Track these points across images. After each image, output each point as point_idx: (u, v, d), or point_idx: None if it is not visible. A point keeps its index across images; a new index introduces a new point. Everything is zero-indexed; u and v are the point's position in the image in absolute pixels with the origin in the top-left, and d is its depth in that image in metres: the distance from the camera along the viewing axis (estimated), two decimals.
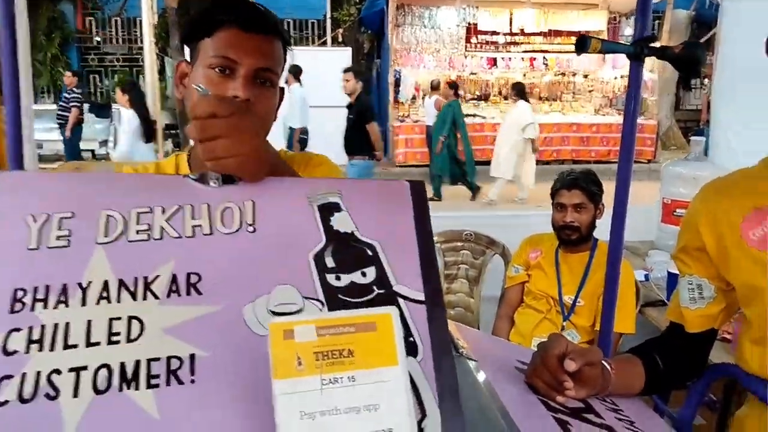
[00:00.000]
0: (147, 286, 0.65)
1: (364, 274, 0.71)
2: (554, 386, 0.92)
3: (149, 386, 0.59)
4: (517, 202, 8.61)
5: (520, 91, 8.57)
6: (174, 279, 0.66)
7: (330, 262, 0.71)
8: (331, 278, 0.70)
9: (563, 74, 11.90)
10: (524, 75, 11.65)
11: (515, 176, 8.53)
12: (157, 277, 0.67)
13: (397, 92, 11.13)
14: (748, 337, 1.10)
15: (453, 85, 9.75)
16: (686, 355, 1.19)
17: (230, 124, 0.77)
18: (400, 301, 0.70)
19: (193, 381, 0.60)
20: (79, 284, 0.64)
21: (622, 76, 11.74)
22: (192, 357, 0.60)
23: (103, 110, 11.59)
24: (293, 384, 0.55)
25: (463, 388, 0.92)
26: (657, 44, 1.27)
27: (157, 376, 0.59)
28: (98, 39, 14.93)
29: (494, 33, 11.59)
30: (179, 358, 0.60)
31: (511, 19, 11.60)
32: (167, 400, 0.59)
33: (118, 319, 0.62)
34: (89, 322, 0.61)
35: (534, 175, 8.60)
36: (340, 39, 12.98)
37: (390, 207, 0.79)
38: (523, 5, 11.33)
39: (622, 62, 11.74)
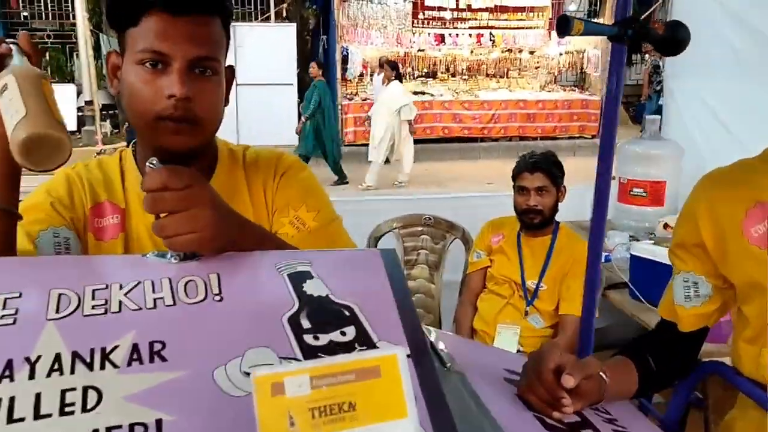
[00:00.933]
0: (105, 356, 0.60)
1: (343, 333, 0.65)
2: (550, 402, 0.86)
3: None
4: (397, 186, 8.44)
5: (393, 69, 8.38)
6: (135, 348, 0.60)
7: (306, 323, 0.66)
8: (308, 338, 0.64)
9: (510, 51, 11.92)
10: (471, 51, 11.62)
11: (395, 159, 8.36)
12: (116, 347, 0.61)
13: (344, 69, 10.94)
14: (743, 336, 1.06)
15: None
16: (678, 354, 1.14)
17: (183, 197, 0.72)
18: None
19: None
20: (27, 358, 0.58)
21: (566, 52, 11.86)
22: (158, 422, 0.52)
23: None
24: None
25: (453, 406, 0.86)
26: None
27: None
28: (25, 14, 14.13)
29: (441, 9, 11.46)
30: (144, 425, 0.52)
31: None
32: None
33: (72, 390, 0.55)
34: (38, 395, 0.54)
35: (412, 156, 8.49)
36: (284, 14, 12.63)
37: (363, 273, 0.76)
38: None
39: (567, 39, 11.84)
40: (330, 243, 1.02)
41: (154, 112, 0.89)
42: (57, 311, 0.64)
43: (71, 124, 9.61)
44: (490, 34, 11.65)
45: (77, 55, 11.33)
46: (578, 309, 2.39)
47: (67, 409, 0.53)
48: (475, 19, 11.63)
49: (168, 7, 0.89)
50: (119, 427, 0.52)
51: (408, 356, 0.63)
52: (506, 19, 11.76)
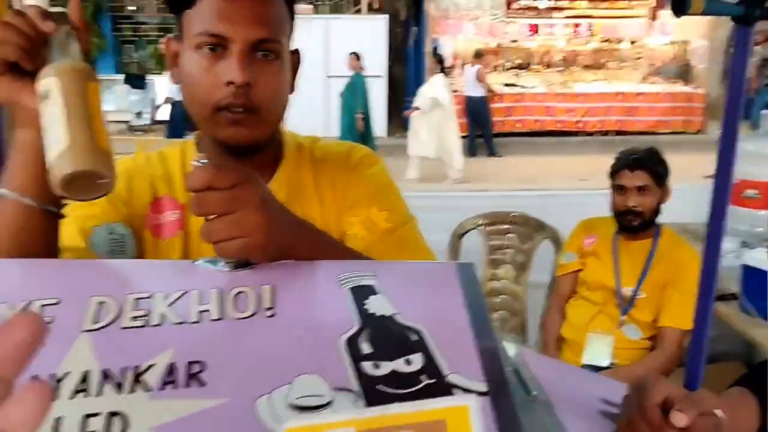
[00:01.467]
0: (137, 376, 0.53)
1: (408, 362, 0.56)
2: None
3: None
4: (454, 183, 7.96)
5: (439, 62, 8.24)
6: (171, 369, 0.54)
7: (366, 348, 0.57)
8: (367, 366, 0.55)
9: (608, 41, 11.39)
10: (567, 42, 11.19)
11: (441, 155, 7.98)
12: (151, 366, 0.54)
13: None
14: None
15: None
16: None
17: (229, 198, 0.65)
18: (456, 392, 0.54)
19: None
20: (52, 375, 0.53)
21: (672, 42, 11.20)
22: None
23: (138, 81, 11.51)
24: None
25: None
26: None
27: None
28: (132, 8, 14.82)
29: None
30: None
31: None
32: None
33: (96, 415, 0.49)
34: (57, 419, 0.49)
35: (460, 152, 8.14)
36: (375, 6, 12.61)
37: (435, 289, 0.67)
38: None
39: (671, 28, 11.18)
40: (402, 247, 0.92)
41: (213, 101, 0.83)
42: (94, 321, 0.59)
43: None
44: (588, 23, 11.17)
45: None
46: (681, 322, 2.19)
47: None
48: (572, 8, 11.20)
49: None
50: None
51: (484, 394, 0.53)
52: (605, 8, 11.25)
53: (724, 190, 1.25)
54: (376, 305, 0.63)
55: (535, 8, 11.16)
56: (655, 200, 2.27)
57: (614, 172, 2.33)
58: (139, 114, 11.25)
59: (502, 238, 2.89)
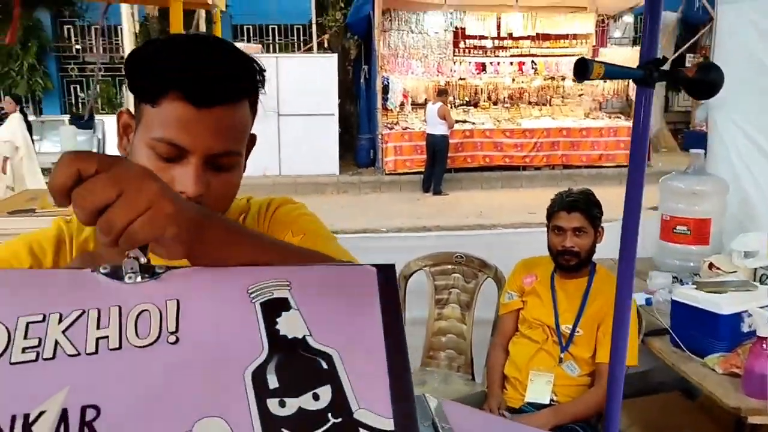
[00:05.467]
0: (27, 427, 0.49)
1: (316, 397, 0.54)
2: None
3: None
4: None
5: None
6: (64, 416, 0.50)
7: (273, 382, 0.54)
8: (273, 405, 0.53)
9: (552, 78, 11.78)
10: (513, 80, 11.53)
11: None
12: (42, 413, 0.50)
13: (385, 99, 10.97)
14: None
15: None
16: None
17: (111, 177, 0.55)
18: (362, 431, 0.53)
19: None
20: None
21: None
22: None
23: (85, 121, 11.34)
24: None
25: None
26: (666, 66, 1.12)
27: None
28: (78, 47, 14.66)
29: (482, 37, 11.45)
30: None
31: (498, 24, 11.46)
32: None
33: None
34: None
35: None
36: (326, 45, 12.80)
37: (352, 300, 0.62)
38: (511, 9, 11.20)
39: None
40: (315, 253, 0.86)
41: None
42: None
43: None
44: (532, 62, 11.55)
45: (126, 86, 11.68)
46: None
47: None
48: (517, 47, 11.57)
49: (190, 96, 0.78)
50: None
51: None
52: (548, 47, 11.66)
53: (632, 237, 1.33)
54: (287, 325, 0.59)
55: (482, 47, 11.50)
56: (591, 241, 2.36)
57: (551, 214, 2.42)
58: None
59: (447, 278, 2.95)
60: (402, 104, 11.17)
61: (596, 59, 1.07)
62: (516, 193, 9.79)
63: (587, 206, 2.34)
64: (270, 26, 15.03)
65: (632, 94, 11.73)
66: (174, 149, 0.79)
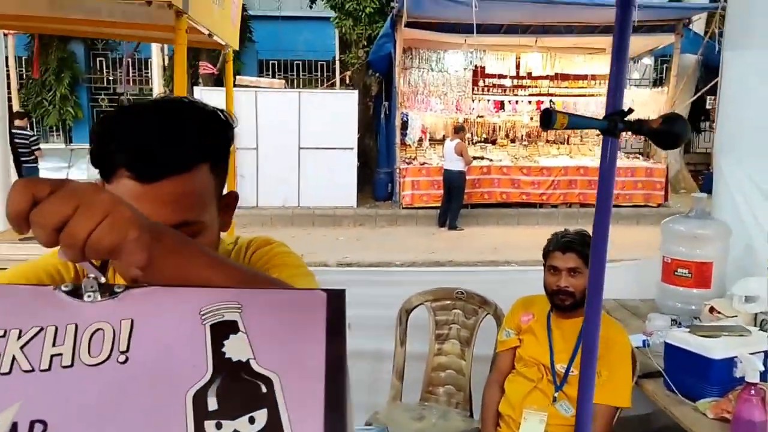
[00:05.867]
0: None
1: (252, 420, 0.58)
2: None
3: None
4: None
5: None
6: (14, 429, 0.55)
7: (212, 404, 0.58)
8: (210, 426, 0.57)
9: None
10: (531, 118, 11.61)
11: None
12: None
13: (404, 135, 11.11)
14: None
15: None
16: None
17: (67, 194, 0.58)
18: None
19: None
20: None
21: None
22: None
23: None
24: None
25: None
26: (631, 118, 1.18)
27: None
28: (109, 78, 15.11)
29: (501, 76, 11.60)
30: None
31: (518, 63, 11.62)
32: None
33: None
34: None
35: None
36: (348, 81, 13.05)
37: (299, 325, 0.65)
38: (531, 49, 11.35)
39: (631, 106, 11.68)
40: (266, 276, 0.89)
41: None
42: None
43: None
44: (550, 101, 11.64)
45: None
46: (613, 398, 2.29)
47: None
48: (536, 87, 11.69)
49: (137, 174, 0.79)
50: None
51: None
52: (567, 86, 11.76)
53: (597, 279, 1.37)
54: (233, 348, 0.62)
55: (501, 86, 11.63)
56: (586, 281, 2.38)
57: (547, 253, 2.46)
58: None
59: (448, 314, 2.98)
60: (420, 140, 11.31)
61: (561, 110, 1.13)
62: (532, 230, 9.78)
63: (582, 247, 2.37)
64: (295, 62, 15.38)
65: None
66: None
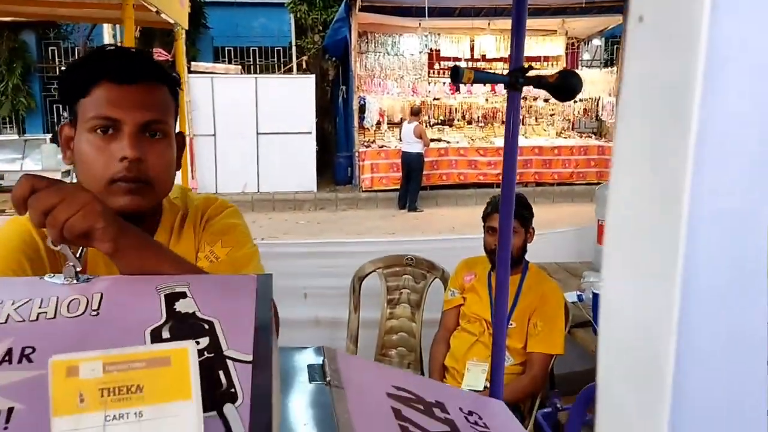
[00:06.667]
0: None
1: (197, 343, 0.72)
2: None
3: None
4: None
5: None
6: (8, 352, 0.69)
7: (166, 334, 0.74)
8: None
9: (525, 99, 12.09)
10: (486, 100, 11.82)
11: None
12: None
13: (362, 118, 11.21)
14: None
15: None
16: None
17: (57, 189, 0.79)
18: (228, 362, 0.72)
19: (6, 429, 0.62)
20: None
21: (581, 100, 11.97)
22: (10, 410, 0.62)
23: None
24: (74, 421, 0.56)
25: (309, 414, 0.97)
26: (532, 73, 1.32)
27: None
28: (62, 68, 14.77)
29: (456, 59, 11.76)
30: None
31: (472, 46, 11.81)
32: None
33: None
34: None
35: None
36: (304, 66, 13.06)
37: (234, 294, 0.84)
38: (484, 32, 11.54)
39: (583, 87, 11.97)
40: (236, 270, 1.11)
41: (108, 175, 0.98)
42: None
43: None
44: None
45: None
46: (546, 347, 2.46)
47: None
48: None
49: (116, 78, 0.98)
50: None
51: (249, 362, 0.74)
52: None
53: (507, 222, 1.52)
54: (182, 306, 0.80)
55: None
56: (522, 240, 2.56)
57: (485, 216, 2.62)
58: (67, 173, 11.15)
59: (398, 279, 3.13)
60: (378, 123, 11.41)
61: (468, 67, 1.27)
62: None
63: (517, 208, 2.53)
64: (251, 48, 15.27)
65: (602, 113, 12.08)
66: (109, 121, 0.98)
